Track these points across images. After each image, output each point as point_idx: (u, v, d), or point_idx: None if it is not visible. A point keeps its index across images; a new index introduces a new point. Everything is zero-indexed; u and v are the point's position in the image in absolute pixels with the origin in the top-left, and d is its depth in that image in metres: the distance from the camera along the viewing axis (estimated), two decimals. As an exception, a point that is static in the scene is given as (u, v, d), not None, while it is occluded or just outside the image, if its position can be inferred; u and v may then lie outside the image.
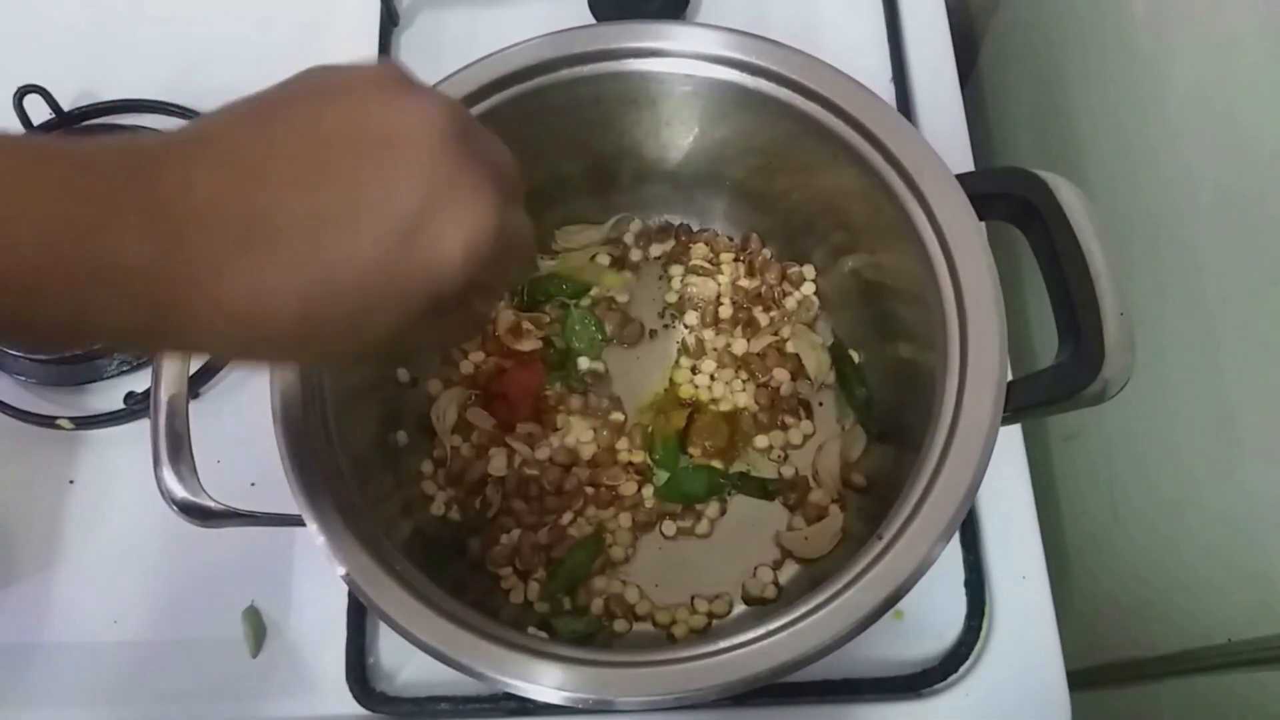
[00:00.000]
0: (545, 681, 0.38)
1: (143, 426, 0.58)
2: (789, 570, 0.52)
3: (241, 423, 0.59)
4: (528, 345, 0.57)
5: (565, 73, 0.49)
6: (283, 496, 0.41)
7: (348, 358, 0.40)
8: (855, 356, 0.56)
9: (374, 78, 0.28)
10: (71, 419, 0.59)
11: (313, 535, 0.41)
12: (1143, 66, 0.57)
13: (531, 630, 0.45)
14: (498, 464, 0.54)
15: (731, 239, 0.59)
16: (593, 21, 0.66)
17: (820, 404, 0.56)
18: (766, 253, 0.58)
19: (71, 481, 0.59)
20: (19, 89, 0.64)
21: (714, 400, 0.56)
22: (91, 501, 0.59)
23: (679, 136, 0.53)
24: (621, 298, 0.58)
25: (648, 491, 0.54)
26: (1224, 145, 0.50)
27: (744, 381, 0.56)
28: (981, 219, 0.44)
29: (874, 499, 0.52)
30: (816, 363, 0.55)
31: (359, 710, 0.52)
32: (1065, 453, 0.69)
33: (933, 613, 0.52)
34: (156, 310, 0.25)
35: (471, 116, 0.30)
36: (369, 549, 0.41)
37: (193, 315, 0.25)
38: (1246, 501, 0.51)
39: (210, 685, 0.54)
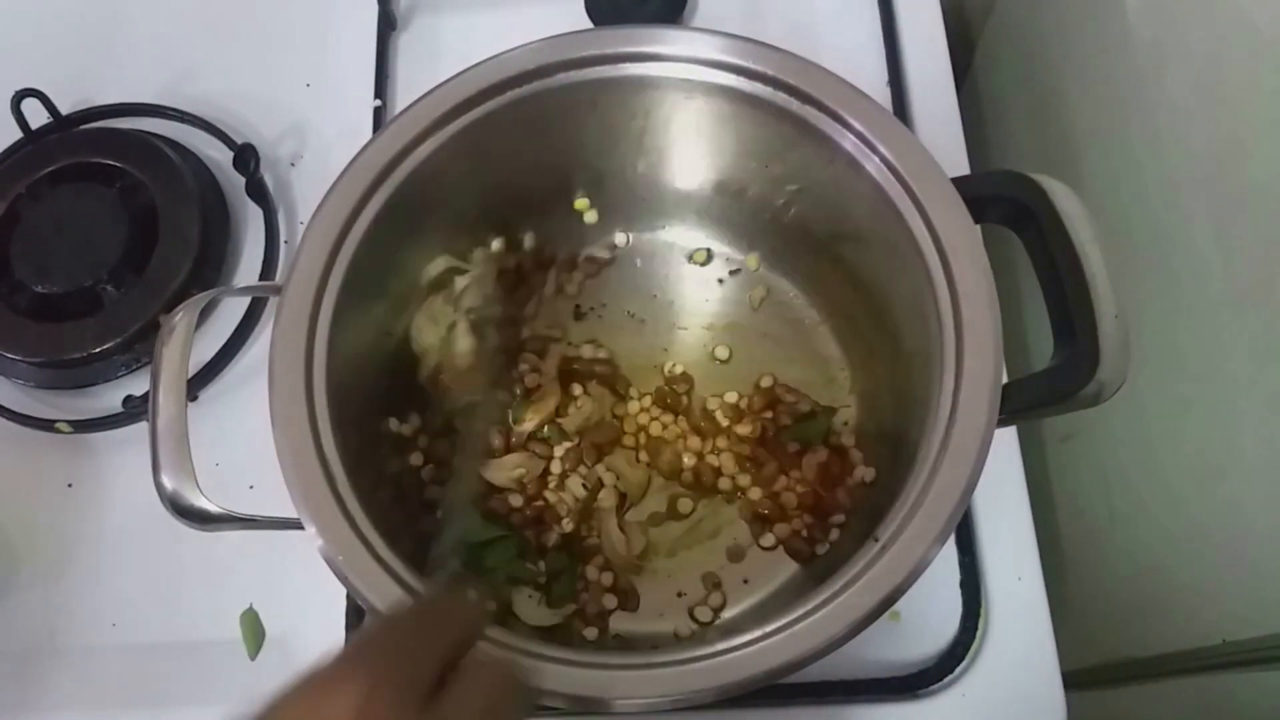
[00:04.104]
0: (543, 683, 0.38)
1: (141, 430, 0.58)
2: (780, 575, 0.52)
3: (240, 426, 0.59)
4: None
5: (561, 77, 0.49)
6: (281, 499, 0.42)
7: None
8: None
9: None
10: (70, 422, 0.59)
11: (311, 538, 0.41)
12: (1138, 68, 0.57)
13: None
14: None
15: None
16: (589, 26, 0.67)
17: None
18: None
19: (70, 485, 0.59)
20: (17, 93, 0.64)
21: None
22: (90, 505, 0.59)
23: (675, 141, 0.54)
24: None
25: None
26: (1220, 146, 0.51)
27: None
28: (977, 222, 0.44)
29: (871, 500, 0.52)
30: None
31: (357, 712, 0.52)
32: (1061, 454, 0.69)
33: (929, 614, 0.52)
34: None
35: None
36: (367, 552, 0.41)
37: None
38: (1241, 503, 0.51)
39: (208, 688, 0.54)
